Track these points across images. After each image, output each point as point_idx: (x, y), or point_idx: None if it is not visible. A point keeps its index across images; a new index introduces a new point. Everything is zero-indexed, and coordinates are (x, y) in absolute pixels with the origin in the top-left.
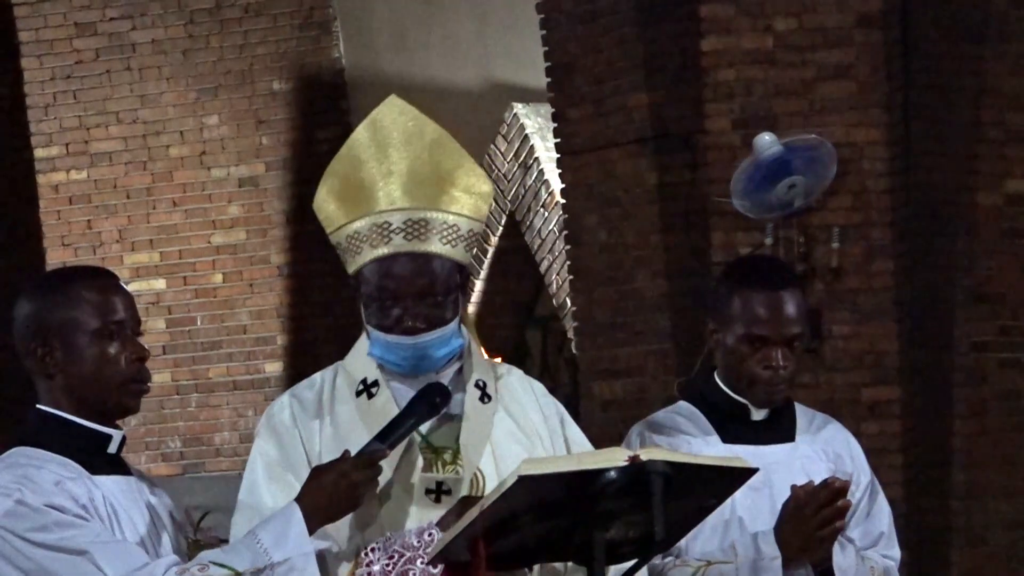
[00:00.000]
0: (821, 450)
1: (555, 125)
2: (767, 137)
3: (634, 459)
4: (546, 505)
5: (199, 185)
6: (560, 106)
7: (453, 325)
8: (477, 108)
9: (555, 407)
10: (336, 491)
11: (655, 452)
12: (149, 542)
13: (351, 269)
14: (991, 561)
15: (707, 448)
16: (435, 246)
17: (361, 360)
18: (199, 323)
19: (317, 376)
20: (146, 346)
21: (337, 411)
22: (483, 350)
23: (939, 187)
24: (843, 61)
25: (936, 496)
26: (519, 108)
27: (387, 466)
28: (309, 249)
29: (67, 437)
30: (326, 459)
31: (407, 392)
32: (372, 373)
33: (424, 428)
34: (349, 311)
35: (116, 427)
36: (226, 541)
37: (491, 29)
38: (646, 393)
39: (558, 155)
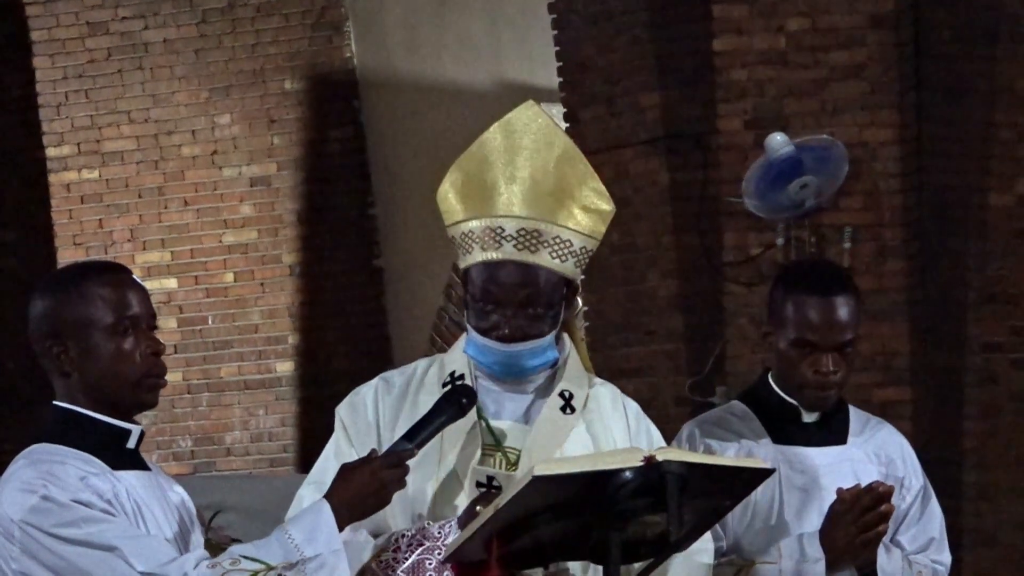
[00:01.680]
0: (873, 453)
1: (567, 125)
2: (779, 137)
3: (649, 460)
4: (563, 505)
5: (211, 184)
6: (572, 106)
7: (549, 338)
8: (489, 108)
9: (647, 430)
10: (364, 489)
11: (670, 452)
12: (174, 536)
13: (461, 265)
14: (1003, 561)
15: (758, 448)
16: (544, 259)
17: (457, 355)
18: (210, 322)
19: (415, 363)
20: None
21: (420, 400)
22: (587, 360)
23: (951, 187)
24: (855, 62)
25: (947, 497)
26: None
27: (450, 452)
28: (321, 248)
29: (86, 433)
30: None
31: (493, 390)
32: (462, 368)
33: (496, 427)
34: (361, 310)
35: (134, 422)
36: (238, 540)
37: (503, 29)
38: (658, 393)
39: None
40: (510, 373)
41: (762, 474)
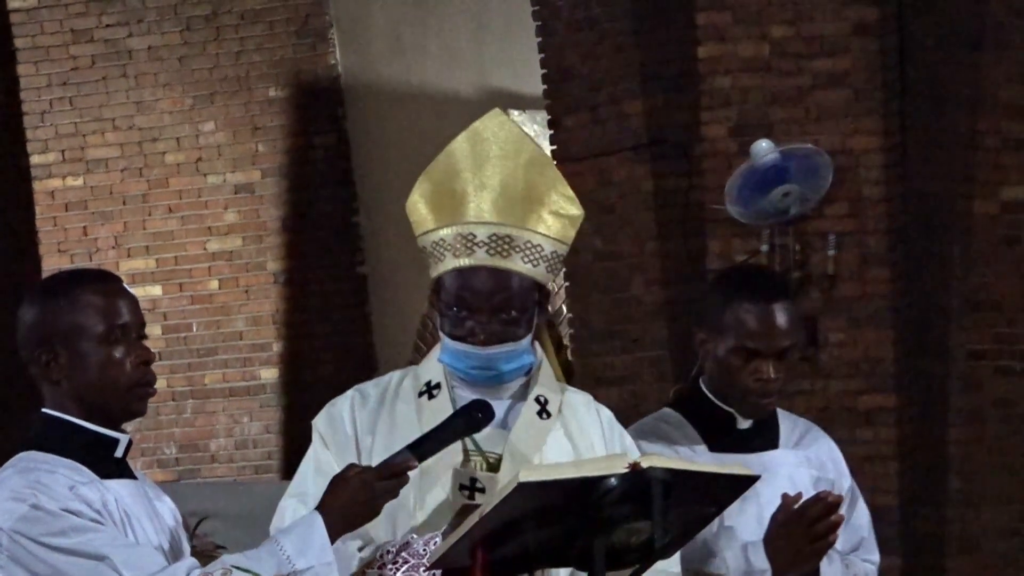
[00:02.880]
0: (805, 457)
1: (551, 132)
2: (764, 144)
3: (634, 466)
4: (547, 511)
5: (195, 192)
6: (556, 113)
7: (525, 342)
8: (473, 115)
9: (620, 435)
10: (357, 500)
11: (655, 459)
12: (162, 546)
13: (433, 274)
14: (986, 569)
15: (695, 457)
16: (516, 264)
17: (431, 364)
18: (195, 329)
19: (389, 375)
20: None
21: (397, 409)
22: (558, 369)
23: (935, 195)
24: (839, 69)
25: (931, 503)
26: (515, 115)
27: (432, 458)
28: (305, 256)
29: (75, 441)
30: (377, 454)
31: (469, 398)
32: (437, 376)
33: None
34: (345, 317)
35: (122, 431)
36: (223, 548)
37: (488, 36)
38: (642, 400)
39: (554, 162)
40: (487, 377)
41: (746, 481)
